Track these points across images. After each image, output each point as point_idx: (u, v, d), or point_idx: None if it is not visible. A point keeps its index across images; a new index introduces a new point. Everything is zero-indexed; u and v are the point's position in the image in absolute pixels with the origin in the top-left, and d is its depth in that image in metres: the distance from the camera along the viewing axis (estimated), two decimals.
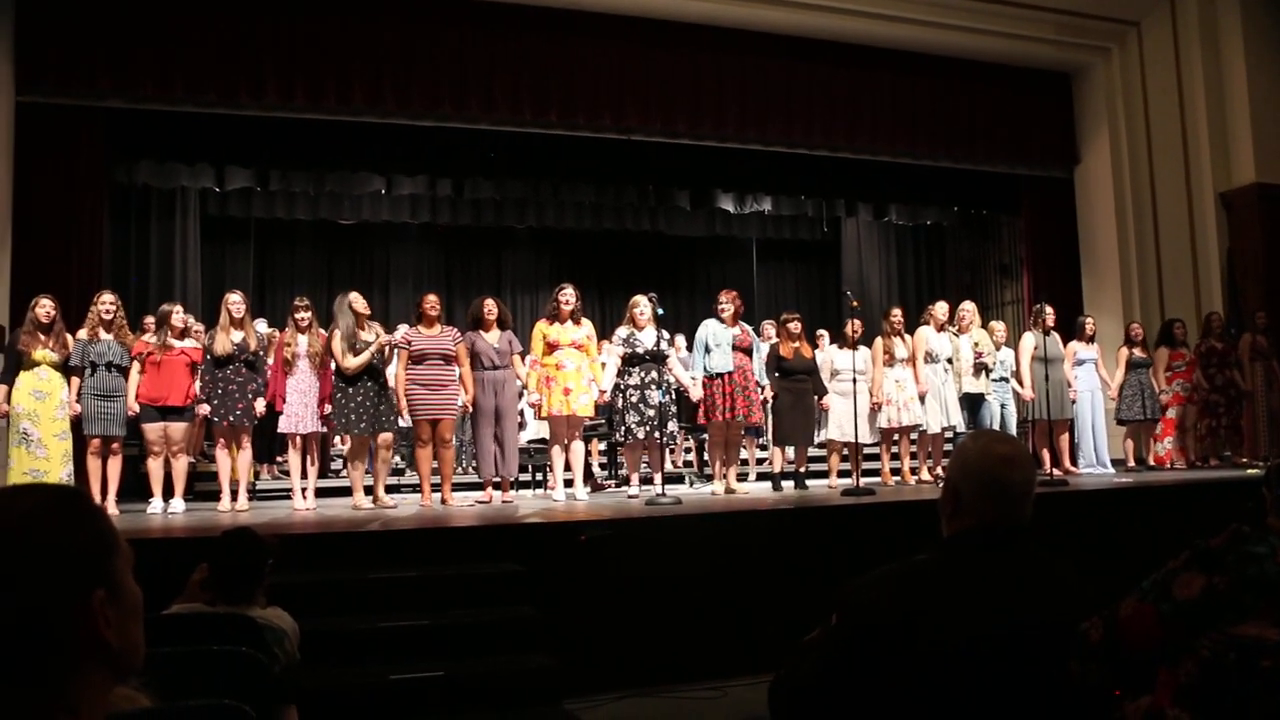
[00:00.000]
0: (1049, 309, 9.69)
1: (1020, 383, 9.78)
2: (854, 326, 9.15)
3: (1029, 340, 9.69)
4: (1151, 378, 10.22)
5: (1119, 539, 6.44)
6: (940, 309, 9.52)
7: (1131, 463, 10.26)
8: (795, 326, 8.90)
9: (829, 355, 9.28)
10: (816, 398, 9.00)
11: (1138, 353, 10.25)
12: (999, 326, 9.97)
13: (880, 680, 1.91)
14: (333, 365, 7.90)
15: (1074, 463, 10.17)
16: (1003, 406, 9.63)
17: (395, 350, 7.91)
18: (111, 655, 1.06)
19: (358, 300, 7.81)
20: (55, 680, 1.02)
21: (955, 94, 11.67)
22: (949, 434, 9.43)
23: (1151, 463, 10.34)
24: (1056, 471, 9.35)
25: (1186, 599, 1.62)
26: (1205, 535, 1.73)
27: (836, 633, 1.98)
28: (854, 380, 8.70)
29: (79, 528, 1.07)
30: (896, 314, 9.43)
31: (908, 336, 9.38)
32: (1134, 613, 1.69)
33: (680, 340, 10.18)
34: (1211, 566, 1.63)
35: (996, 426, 9.40)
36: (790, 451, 8.97)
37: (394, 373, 7.94)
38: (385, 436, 7.81)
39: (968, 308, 9.77)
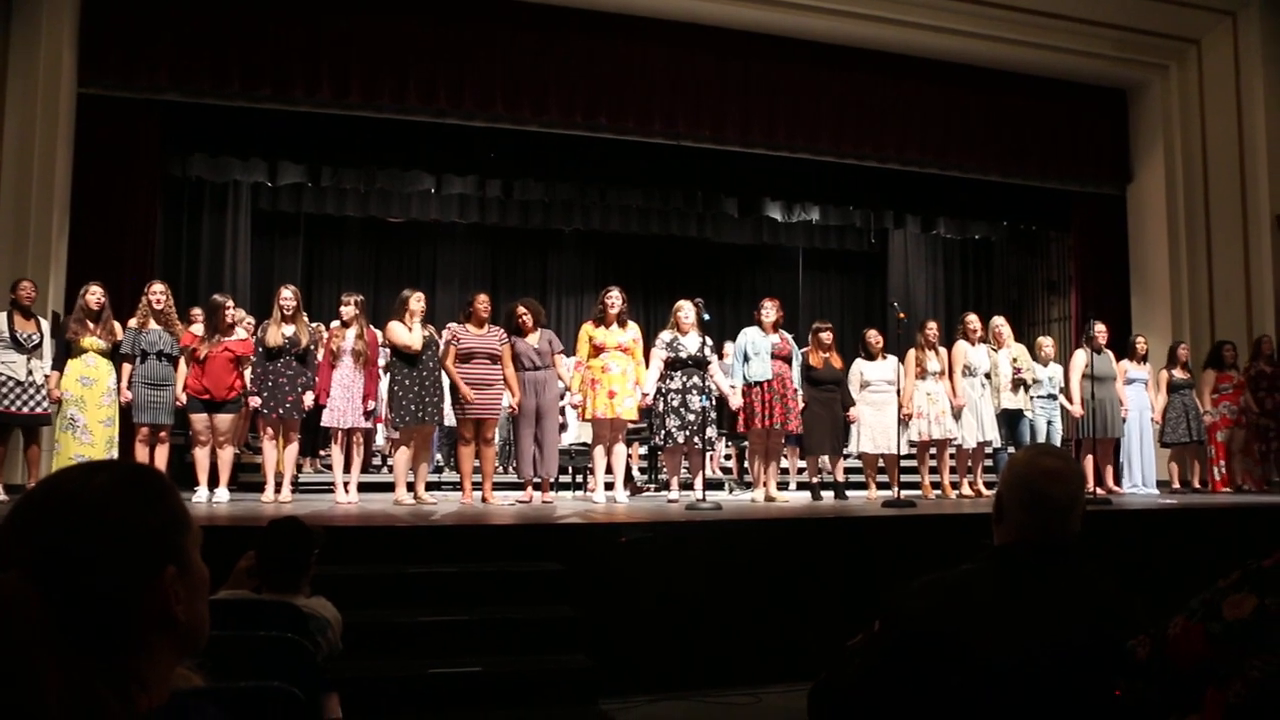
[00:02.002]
0: (1100, 326, 9.59)
1: (1069, 400, 9.69)
2: (876, 337, 9.11)
3: (1080, 358, 9.57)
4: (1196, 399, 10.09)
5: (1161, 560, 6.36)
6: (973, 321, 9.44)
7: (1176, 484, 10.14)
8: (826, 337, 8.87)
9: (857, 368, 9.16)
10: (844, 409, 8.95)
11: (1178, 374, 10.12)
12: (1047, 342, 9.86)
13: (921, 689, 1.91)
14: (381, 362, 7.96)
15: (1118, 482, 10.05)
16: (1049, 423, 9.53)
17: (444, 345, 7.96)
18: (180, 630, 1.08)
19: (416, 298, 7.87)
20: (127, 654, 1.04)
21: (1008, 108, 11.57)
22: (987, 449, 9.35)
23: (1203, 485, 10.17)
24: (1100, 490, 9.26)
25: (1237, 619, 1.60)
26: (1255, 557, 1.71)
27: (879, 639, 1.99)
28: (890, 390, 8.65)
29: (153, 505, 1.09)
30: (932, 327, 9.34)
31: (942, 350, 9.30)
32: (1182, 632, 1.68)
33: (729, 347, 10.16)
34: (1264, 588, 1.61)
35: (1041, 442, 9.30)
36: (825, 461, 8.91)
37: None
38: (427, 431, 7.88)
39: (998, 321, 9.69)
